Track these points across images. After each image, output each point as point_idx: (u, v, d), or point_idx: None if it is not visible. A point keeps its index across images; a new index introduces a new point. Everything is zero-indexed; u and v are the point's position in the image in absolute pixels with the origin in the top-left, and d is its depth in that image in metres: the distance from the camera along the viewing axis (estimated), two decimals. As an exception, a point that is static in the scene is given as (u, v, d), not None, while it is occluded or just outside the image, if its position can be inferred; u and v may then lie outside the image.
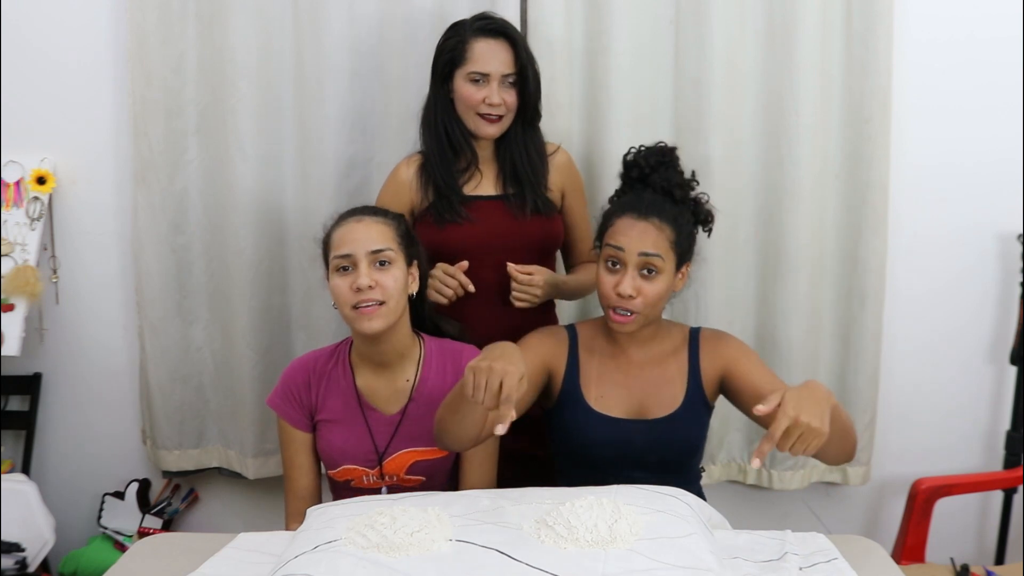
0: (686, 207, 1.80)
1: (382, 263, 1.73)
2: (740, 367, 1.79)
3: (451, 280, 1.95)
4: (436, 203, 2.02)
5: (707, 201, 1.84)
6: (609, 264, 1.75)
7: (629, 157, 1.84)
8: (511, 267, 1.98)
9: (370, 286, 1.70)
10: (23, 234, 2.40)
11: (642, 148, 1.84)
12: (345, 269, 1.73)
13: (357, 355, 1.83)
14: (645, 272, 1.72)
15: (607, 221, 1.79)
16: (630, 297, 1.72)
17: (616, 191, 1.87)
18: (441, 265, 1.96)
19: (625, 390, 1.81)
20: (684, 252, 1.78)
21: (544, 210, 2.07)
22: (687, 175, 1.83)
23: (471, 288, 1.95)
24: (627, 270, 1.72)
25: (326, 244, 1.80)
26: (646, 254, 1.72)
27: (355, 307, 1.71)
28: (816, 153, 2.32)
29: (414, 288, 1.80)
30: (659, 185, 1.79)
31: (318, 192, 2.35)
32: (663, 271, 1.73)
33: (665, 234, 1.73)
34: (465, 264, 1.96)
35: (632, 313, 1.73)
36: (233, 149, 2.34)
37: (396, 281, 1.73)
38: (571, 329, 1.88)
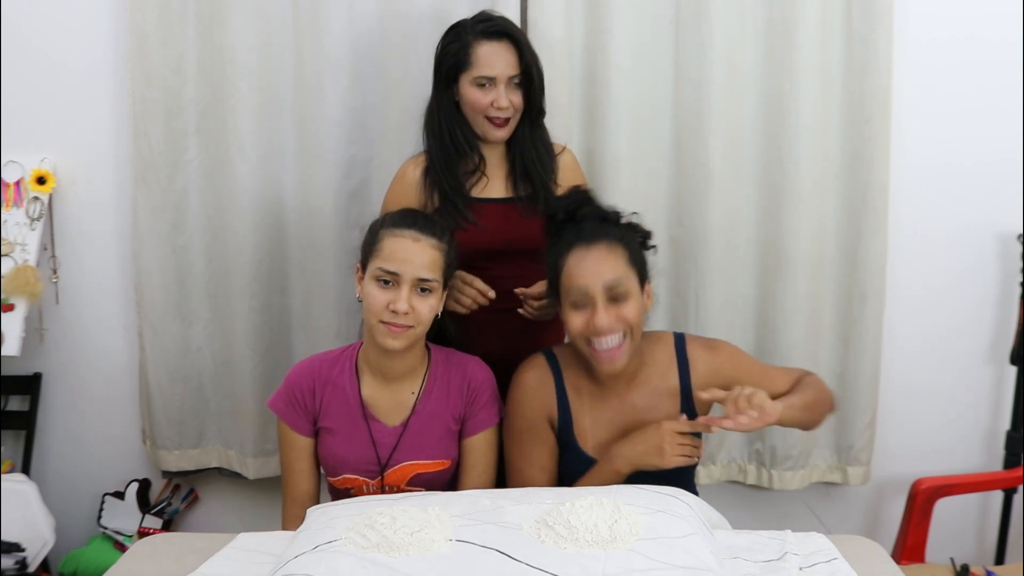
0: (626, 229, 1.73)
1: (423, 290, 1.70)
2: (740, 379, 1.74)
3: (469, 289, 1.91)
4: (442, 207, 1.99)
5: (640, 222, 1.75)
6: (574, 305, 1.66)
7: (548, 210, 1.77)
8: (519, 291, 1.94)
9: (406, 312, 1.67)
10: (23, 234, 2.40)
11: (553, 200, 1.83)
12: (386, 282, 1.69)
13: (365, 363, 1.80)
14: (614, 299, 1.64)
15: (556, 267, 1.69)
16: (611, 328, 1.63)
17: (549, 243, 1.74)
18: (460, 274, 1.90)
19: (621, 431, 1.74)
20: (642, 269, 1.70)
21: None
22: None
23: (491, 294, 1.92)
24: (597, 304, 1.63)
25: (372, 243, 1.73)
26: (611, 285, 1.63)
27: (383, 321, 1.69)
28: (816, 153, 2.32)
29: (439, 310, 1.77)
30: (591, 215, 1.70)
31: (318, 192, 2.35)
32: (632, 292, 1.66)
33: (618, 253, 1.66)
34: (491, 293, 1.92)
35: (620, 344, 1.65)
36: (233, 149, 2.34)
37: (431, 310, 1.71)
38: (552, 361, 1.78)
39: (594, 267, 1.64)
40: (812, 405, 1.78)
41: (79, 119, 2.42)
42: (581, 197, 1.74)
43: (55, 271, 2.47)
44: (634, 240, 1.72)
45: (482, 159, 2.02)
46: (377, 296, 1.69)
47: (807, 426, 1.81)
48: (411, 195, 2.01)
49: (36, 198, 2.41)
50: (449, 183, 1.98)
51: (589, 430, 1.75)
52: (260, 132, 2.34)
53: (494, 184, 2.04)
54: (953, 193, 2.43)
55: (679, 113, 2.33)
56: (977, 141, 2.40)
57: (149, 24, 2.30)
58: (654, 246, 1.78)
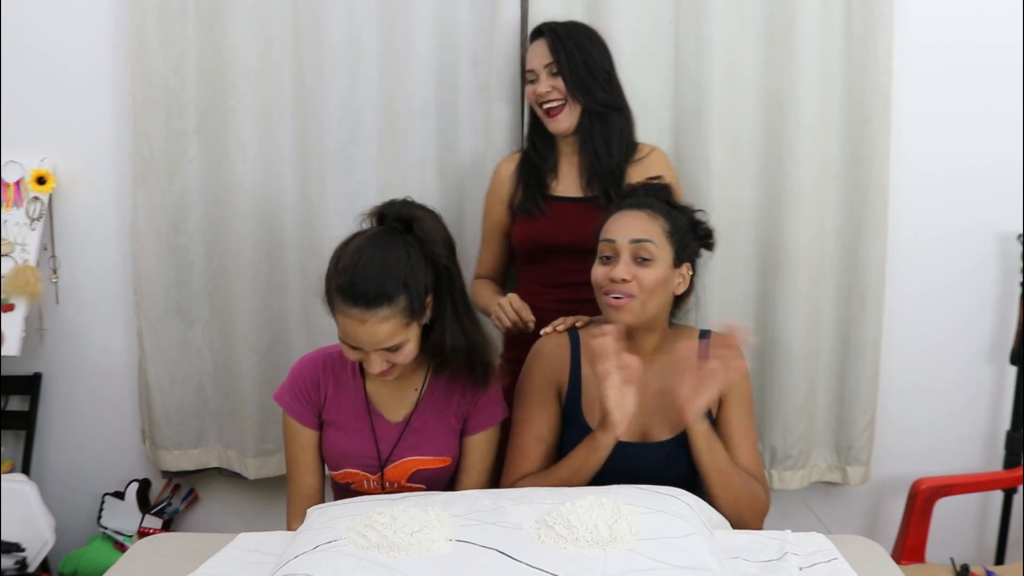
0: (682, 213, 1.81)
1: (393, 348, 1.64)
2: (729, 399, 1.79)
3: (512, 314, 1.98)
4: (523, 198, 2.15)
5: (707, 221, 1.85)
6: (603, 258, 1.75)
7: (625, 189, 1.90)
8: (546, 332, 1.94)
9: (383, 370, 1.66)
10: (23, 234, 2.40)
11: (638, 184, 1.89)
12: (355, 347, 1.66)
13: None
14: (639, 260, 1.71)
15: (600, 225, 1.80)
16: (624, 281, 1.70)
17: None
18: (512, 297, 2.00)
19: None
20: (682, 248, 1.76)
21: None
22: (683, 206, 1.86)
23: (531, 327, 1.96)
24: (620, 258, 1.72)
25: (329, 302, 1.66)
26: (637, 240, 1.71)
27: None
28: (816, 153, 2.32)
29: (427, 318, 1.71)
30: (655, 194, 1.82)
31: (318, 192, 2.35)
32: (657, 258, 1.71)
33: (658, 222, 1.74)
34: (531, 326, 1.97)
35: (628, 296, 1.70)
36: (233, 149, 2.34)
37: (410, 352, 1.66)
38: (573, 336, 1.85)
39: (628, 223, 1.74)
40: (737, 487, 1.71)
41: (79, 119, 2.42)
42: (659, 187, 1.84)
43: (55, 271, 2.47)
44: (681, 220, 1.78)
45: (556, 156, 2.16)
46: (350, 352, 1.67)
47: (716, 489, 1.71)
48: (503, 189, 2.19)
49: (36, 198, 2.41)
50: (530, 178, 2.15)
51: (598, 404, 1.74)
52: (260, 132, 2.34)
53: (569, 183, 2.15)
54: (953, 193, 2.43)
55: (679, 113, 2.33)
56: (977, 142, 2.40)
57: (149, 24, 2.30)
58: (711, 243, 1.86)
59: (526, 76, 2.15)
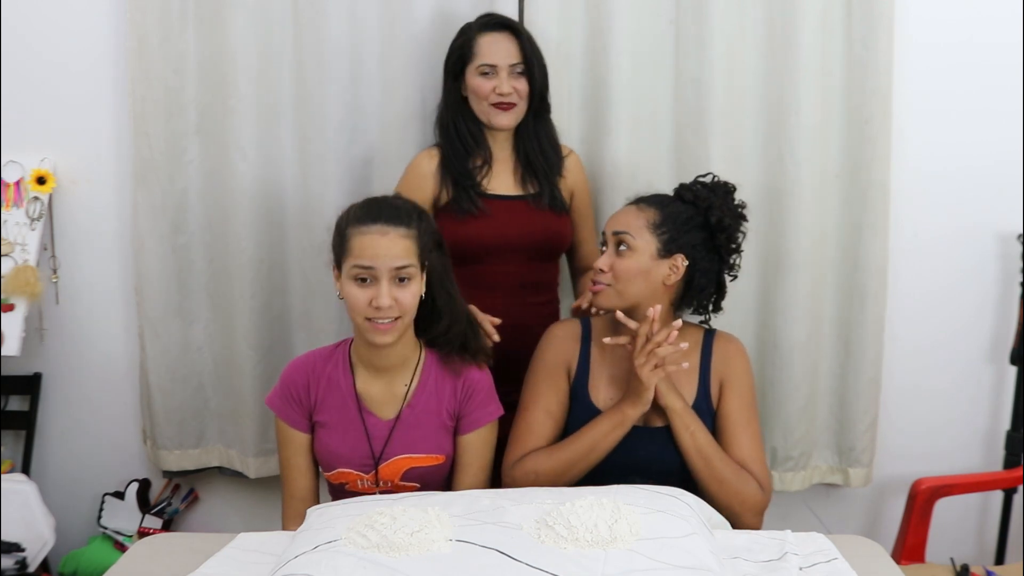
0: (692, 207, 1.82)
1: (402, 279, 1.68)
2: (728, 391, 1.83)
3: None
4: (456, 197, 2.08)
5: (738, 239, 1.86)
6: (601, 248, 1.84)
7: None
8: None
9: (390, 305, 1.67)
10: (23, 234, 2.40)
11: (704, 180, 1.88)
12: (363, 280, 1.68)
13: (357, 357, 1.81)
14: (620, 249, 1.79)
15: None
16: (601, 271, 1.80)
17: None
18: (471, 309, 1.94)
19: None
20: (672, 239, 1.78)
21: (557, 207, 2.13)
22: (737, 212, 1.87)
23: (496, 338, 1.93)
24: (608, 249, 1.81)
25: (341, 242, 1.72)
26: (616, 232, 1.80)
27: (368, 319, 1.69)
28: (816, 153, 2.32)
29: (423, 292, 1.74)
30: (686, 195, 1.84)
31: (318, 192, 2.35)
32: (635, 249, 1.78)
33: (645, 215, 1.79)
34: (496, 337, 1.93)
35: (604, 285, 1.79)
36: (233, 149, 2.34)
37: (414, 296, 1.70)
38: (585, 323, 1.90)
39: (617, 216, 1.83)
40: (720, 471, 1.75)
41: (79, 119, 2.42)
42: (691, 184, 1.88)
43: (55, 271, 2.47)
44: (683, 215, 1.81)
45: (489, 152, 2.12)
46: (358, 295, 1.68)
47: (699, 473, 1.77)
48: (427, 186, 2.10)
49: (36, 198, 2.41)
50: (461, 173, 2.08)
51: (603, 387, 1.84)
52: (260, 132, 2.34)
53: (503, 180, 2.12)
54: (953, 193, 2.43)
55: (679, 113, 2.33)
56: (977, 142, 2.40)
57: (149, 24, 2.30)
58: (721, 236, 1.84)
59: (478, 68, 2.06)
